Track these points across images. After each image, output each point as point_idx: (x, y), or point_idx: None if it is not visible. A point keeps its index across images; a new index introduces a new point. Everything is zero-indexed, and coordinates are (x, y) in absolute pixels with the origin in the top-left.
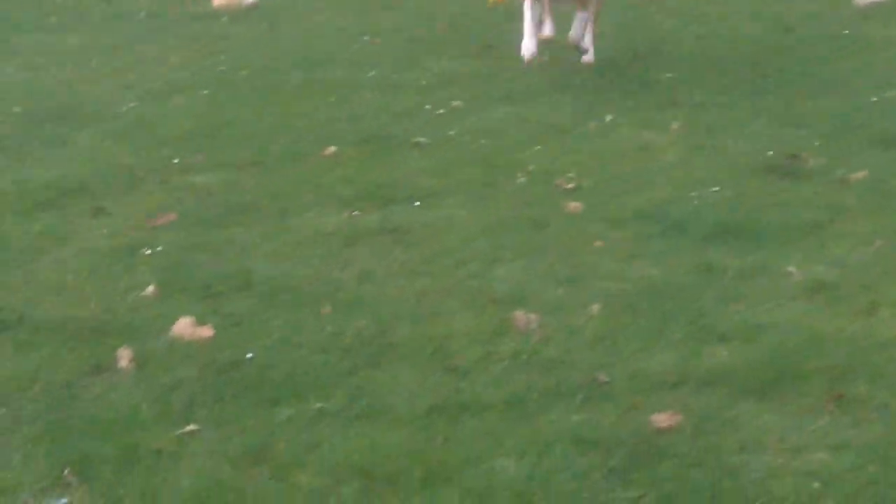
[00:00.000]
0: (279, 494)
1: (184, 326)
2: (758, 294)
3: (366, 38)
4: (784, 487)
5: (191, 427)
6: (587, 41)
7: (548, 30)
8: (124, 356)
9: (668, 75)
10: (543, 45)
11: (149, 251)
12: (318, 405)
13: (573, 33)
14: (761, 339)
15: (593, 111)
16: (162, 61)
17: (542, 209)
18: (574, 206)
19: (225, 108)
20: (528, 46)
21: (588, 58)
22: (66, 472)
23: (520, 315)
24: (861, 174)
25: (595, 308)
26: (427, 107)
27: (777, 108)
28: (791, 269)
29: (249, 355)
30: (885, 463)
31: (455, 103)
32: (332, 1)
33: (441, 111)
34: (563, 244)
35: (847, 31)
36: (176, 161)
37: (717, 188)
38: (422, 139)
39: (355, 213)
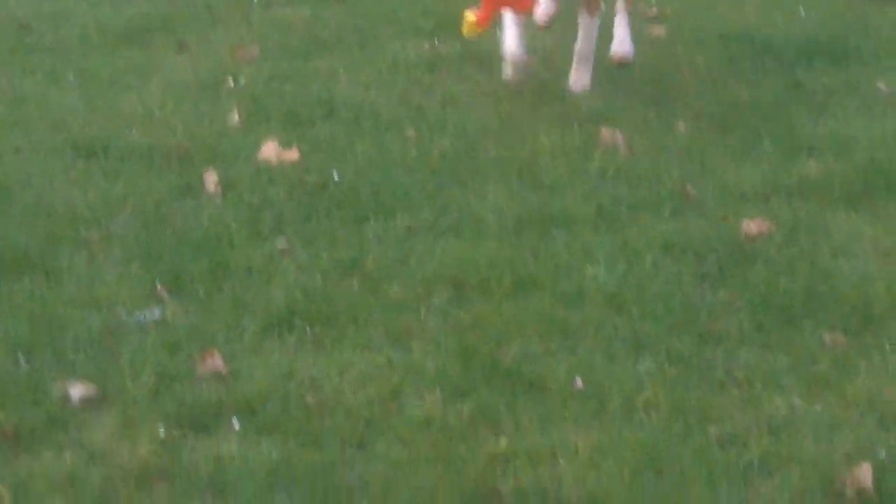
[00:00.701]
0: (370, 304)
1: (270, 150)
2: (847, 110)
3: None
4: (878, 289)
5: (280, 244)
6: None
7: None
8: (211, 179)
9: None
10: None
11: (233, 83)
12: (407, 222)
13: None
14: (851, 151)
15: None
16: None
17: None
18: (658, 30)
19: None
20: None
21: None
22: (158, 287)
23: (606, 132)
24: None
25: (682, 125)
26: None
27: None
28: (881, 85)
29: (336, 177)
30: None
31: None
32: None
33: None
34: (648, 67)
35: None
36: None
37: (803, 11)
38: None
39: (436, 42)
